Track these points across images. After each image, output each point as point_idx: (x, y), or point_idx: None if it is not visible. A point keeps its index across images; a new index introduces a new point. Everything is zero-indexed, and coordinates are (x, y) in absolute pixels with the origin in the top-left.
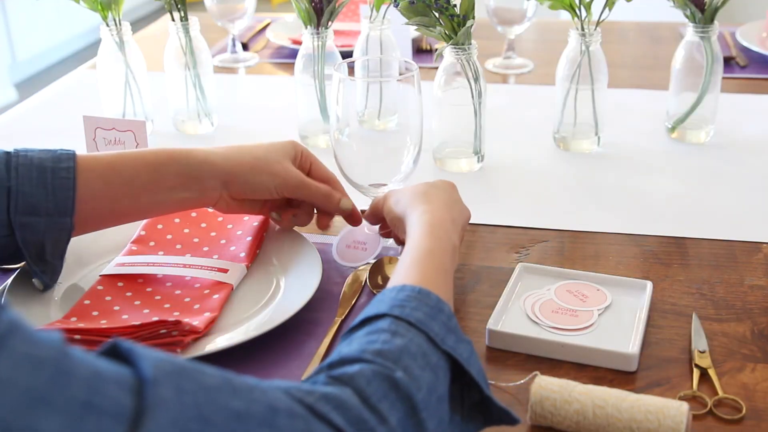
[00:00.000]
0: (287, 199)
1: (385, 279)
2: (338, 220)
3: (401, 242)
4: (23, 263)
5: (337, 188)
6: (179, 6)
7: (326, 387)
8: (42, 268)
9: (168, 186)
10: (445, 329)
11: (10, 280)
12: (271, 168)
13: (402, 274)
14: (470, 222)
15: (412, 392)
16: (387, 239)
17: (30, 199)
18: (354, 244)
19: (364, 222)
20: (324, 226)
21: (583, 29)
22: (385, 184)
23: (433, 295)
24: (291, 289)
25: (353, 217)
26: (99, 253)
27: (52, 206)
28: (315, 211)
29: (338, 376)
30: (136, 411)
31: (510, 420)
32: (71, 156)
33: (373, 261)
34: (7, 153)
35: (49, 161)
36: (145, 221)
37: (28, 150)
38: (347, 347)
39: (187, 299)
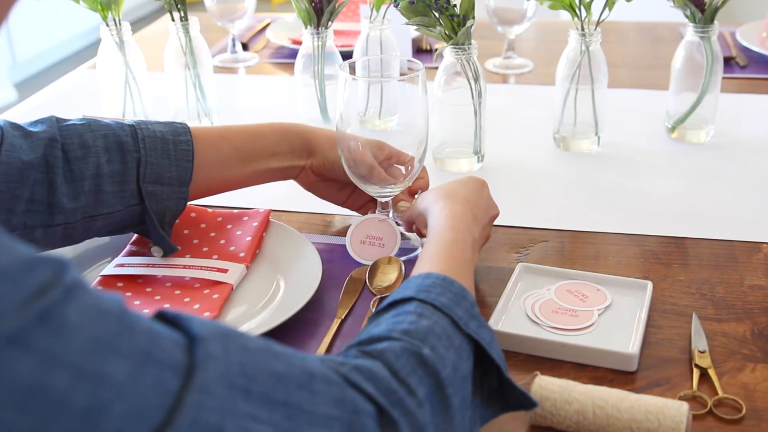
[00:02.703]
0: (371, 198)
1: (385, 279)
2: (338, 220)
3: (423, 236)
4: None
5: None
6: (179, 6)
7: (358, 360)
8: (162, 235)
9: (267, 154)
10: (468, 315)
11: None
12: None
13: (426, 262)
14: None
15: (438, 369)
16: (404, 234)
17: (156, 169)
18: (369, 240)
19: (376, 214)
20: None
21: (583, 29)
22: (390, 184)
23: (456, 283)
24: (291, 289)
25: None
26: (99, 253)
27: (174, 176)
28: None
29: (368, 351)
30: (188, 366)
31: (529, 404)
32: (187, 129)
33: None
34: (131, 126)
35: (169, 134)
36: None
37: (146, 122)
38: (375, 328)
39: (187, 299)
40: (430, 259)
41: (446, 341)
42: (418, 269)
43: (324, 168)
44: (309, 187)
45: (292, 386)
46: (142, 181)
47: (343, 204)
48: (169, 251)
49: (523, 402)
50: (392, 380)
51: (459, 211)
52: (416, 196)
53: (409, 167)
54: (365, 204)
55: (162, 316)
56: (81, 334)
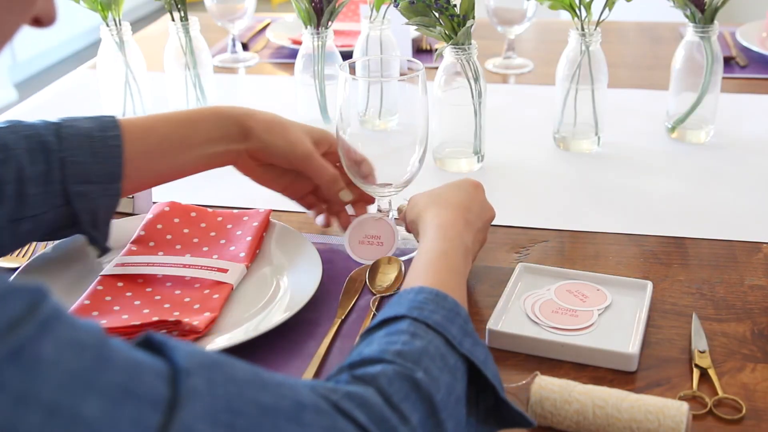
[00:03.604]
0: (315, 188)
1: (385, 279)
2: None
3: None
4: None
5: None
6: (179, 6)
7: (349, 386)
8: (96, 234)
9: (198, 141)
10: (462, 332)
11: (10, 280)
12: (286, 133)
13: (417, 275)
14: None
15: (432, 393)
16: (402, 232)
17: (82, 168)
18: (367, 239)
19: (372, 213)
20: (327, 225)
21: (583, 29)
22: (390, 184)
23: (450, 298)
24: (291, 289)
25: (356, 204)
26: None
27: (103, 173)
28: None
29: (360, 376)
30: (171, 400)
31: (524, 423)
32: (115, 123)
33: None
34: (55, 123)
35: (96, 130)
36: (144, 221)
37: (73, 119)
38: (367, 348)
39: (187, 299)
40: (422, 272)
41: (440, 362)
42: (409, 282)
43: (261, 152)
44: (248, 172)
45: (281, 419)
46: (68, 182)
47: (282, 191)
48: (103, 252)
49: (520, 421)
50: (385, 407)
51: (450, 218)
52: (400, 204)
53: (411, 167)
54: (306, 195)
55: (148, 340)
56: (55, 371)
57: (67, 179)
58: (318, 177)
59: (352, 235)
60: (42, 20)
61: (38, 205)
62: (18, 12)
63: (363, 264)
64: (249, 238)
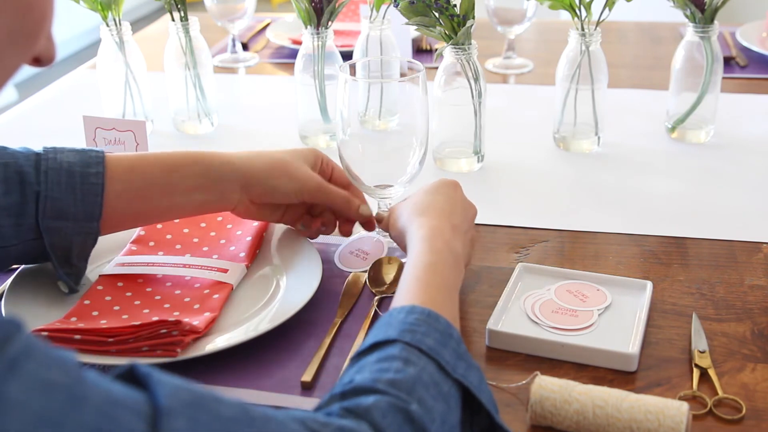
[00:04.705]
0: (309, 209)
1: (385, 279)
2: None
3: None
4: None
5: (357, 195)
6: (179, 6)
7: (341, 420)
8: (67, 270)
9: (186, 188)
10: (455, 356)
11: (9, 281)
12: (290, 171)
13: (406, 292)
14: None
15: (426, 425)
16: (391, 245)
17: (58, 204)
18: (357, 252)
19: (374, 234)
20: (347, 233)
21: (583, 29)
22: (391, 185)
23: (442, 318)
24: (291, 289)
25: (369, 224)
26: (99, 253)
27: (80, 211)
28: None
29: (353, 408)
30: None
31: None
32: (101, 160)
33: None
34: (37, 154)
35: (78, 165)
36: None
37: (57, 150)
38: (359, 375)
39: (187, 299)
40: (411, 288)
41: (434, 390)
42: (400, 299)
43: (265, 195)
44: (247, 216)
45: None
46: (42, 216)
47: (278, 221)
48: (71, 291)
49: None
50: None
51: (436, 228)
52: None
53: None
54: (301, 217)
55: (132, 372)
56: (23, 413)
57: (41, 214)
58: (333, 203)
59: (349, 245)
60: (42, 60)
61: (7, 237)
62: (21, 52)
63: (344, 270)
64: (249, 238)
